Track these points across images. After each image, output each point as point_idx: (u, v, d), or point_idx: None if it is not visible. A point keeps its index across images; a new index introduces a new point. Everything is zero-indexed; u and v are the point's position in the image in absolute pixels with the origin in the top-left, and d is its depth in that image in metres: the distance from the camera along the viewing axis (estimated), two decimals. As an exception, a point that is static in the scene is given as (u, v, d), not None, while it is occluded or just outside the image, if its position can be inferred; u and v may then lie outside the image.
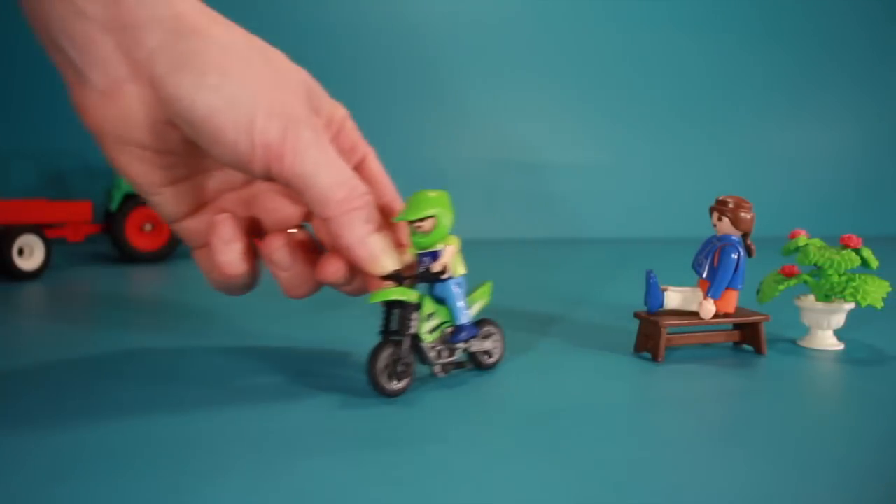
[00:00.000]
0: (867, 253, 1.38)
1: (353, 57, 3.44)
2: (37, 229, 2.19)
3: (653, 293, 1.29)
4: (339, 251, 1.03)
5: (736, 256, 1.27)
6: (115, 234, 2.53)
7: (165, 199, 1.01)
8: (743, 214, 1.28)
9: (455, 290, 1.10)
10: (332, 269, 1.05)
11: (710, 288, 1.28)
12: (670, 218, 3.82)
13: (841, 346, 1.40)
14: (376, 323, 1.08)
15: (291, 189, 0.99)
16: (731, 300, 1.31)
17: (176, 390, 1.06)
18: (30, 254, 2.17)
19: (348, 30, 3.45)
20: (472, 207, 3.62)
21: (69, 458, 0.80)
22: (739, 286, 1.30)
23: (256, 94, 0.94)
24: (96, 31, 0.89)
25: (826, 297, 1.38)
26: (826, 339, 1.40)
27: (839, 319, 1.38)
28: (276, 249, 1.04)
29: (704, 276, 1.30)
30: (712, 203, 1.32)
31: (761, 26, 4.15)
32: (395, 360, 1.03)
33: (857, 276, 1.36)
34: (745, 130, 4.17)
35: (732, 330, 1.38)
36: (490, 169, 3.67)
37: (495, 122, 3.70)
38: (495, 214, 3.65)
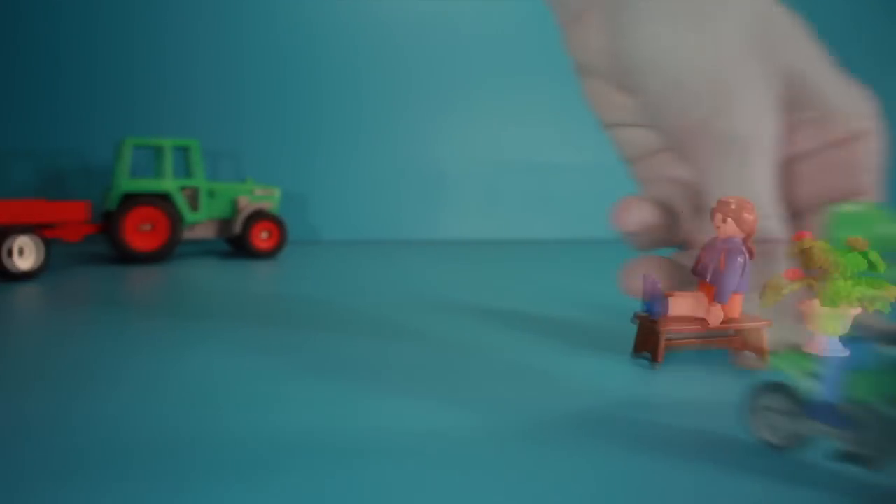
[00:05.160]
0: (874, 256, 1.34)
1: (355, 57, 3.41)
2: (34, 229, 2.17)
3: (657, 298, 1.25)
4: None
5: (742, 260, 1.24)
6: (113, 234, 2.51)
7: (618, 139, 1.07)
8: (746, 216, 1.25)
9: None
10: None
11: (718, 293, 1.24)
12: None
13: (846, 353, 1.36)
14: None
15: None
16: (737, 304, 1.28)
17: (168, 392, 1.04)
18: (27, 254, 2.15)
19: (350, 31, 3.43)
20: (472, 207, 3.59)
21: (57, 459, 0.78)
22: (745, 290, 1.27)
23: (692, 50, 0.87)
24: None
25: (831, 302, 1.34)
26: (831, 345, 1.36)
27: (845, 325, 1.34)
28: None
29: (709, 280, 1.27)
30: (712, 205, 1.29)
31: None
32: None
33: (863, 279, 1.33)
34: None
35: (734, 335, 1.35)
36: (490, 169, 3.64)
37: (496, 123, 3.67)
38: (495, 214, 3.62)
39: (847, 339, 0.88)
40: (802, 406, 0.82)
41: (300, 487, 0.75)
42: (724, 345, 1.34)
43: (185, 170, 2.81)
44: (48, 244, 2.21)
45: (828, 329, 0.91)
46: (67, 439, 0.86)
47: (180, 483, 0.74)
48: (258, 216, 2.76)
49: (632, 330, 1.34)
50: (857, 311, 1.32)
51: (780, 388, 0.85)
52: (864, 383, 0.79)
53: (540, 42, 3.77)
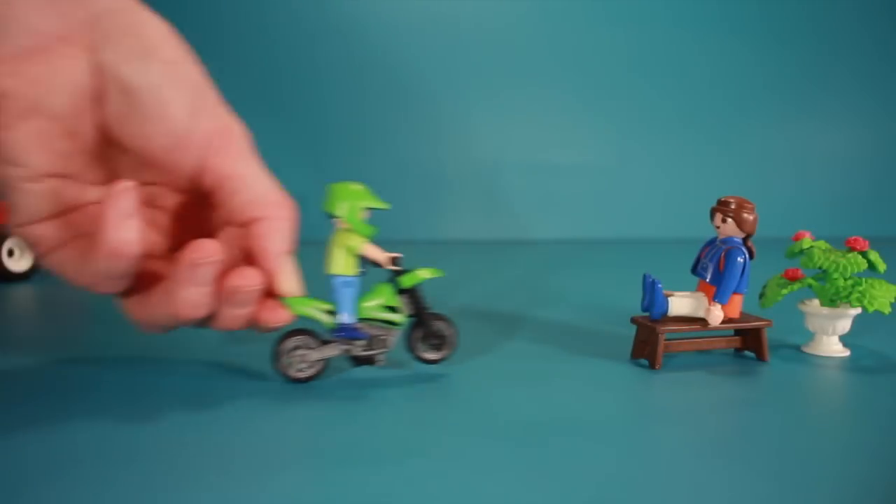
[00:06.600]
0: (874, 256, 1.33)
1: (356, 57, 3.40)
2: (27, 230, 2.15)
3: (657, 299, 1.24)
4: (256, 257, 0.96)
5: (742, 260, 1.23)
6: (109, 235, 2.49)
7: (41, 192, 0.86)
8: (746, 215, 1.24)
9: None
10: (249, 275, 0.92)
11: (718, 293, 1.23)
12: (674, 219, 3.78)
13: (847, 353, 1.35)
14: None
15: (218, 191, 0.94)
16: (737, 305, 1.27)
17: (154, 396, 1.02)
18: (20, 255, 2.13)
19: (348, 30, 3.42)
20: (472, 207, 3.58)
21: (31, 465, 0.76)
22: (745, 290, 1.26)
23: (201, 82, 0.92)
24: None
25: (831, 302, 1.33)
26: (831, 346, 1.35)
27: (845, 325, 1.33)
28: (214, 253, 0.87)
29: (709, 280, 1.26)
30: (713, 204, 1.28)
31: (767, 27, 4.09)
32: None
33: (863, 280, 1.32)
34: (751, 131, 4.12)
35: (734, 336, 1.33)
36: (490, 169, 3.63)
37: (496, 123, 3.66)
38: (495, 215, 3.61)
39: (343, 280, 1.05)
40: (324, 335, 1.09)
41: (284, 497, 0.73)
42: (724, 345, 1.32)
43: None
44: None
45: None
46: (62, 442, 0.84)
47: (148, 495, 0.73)
48: (255, 216, 2.75)
49: (631, 331, 1.32)
50: (857, 310, 1.31)
51: (300, 330, 1.08)
52: (363, 304, 1.08)
53: (540, 42, 3.75)
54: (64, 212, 0.90)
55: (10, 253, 2.11)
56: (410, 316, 1.13)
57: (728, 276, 1.22)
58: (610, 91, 3.86)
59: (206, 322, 0.96)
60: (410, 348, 1.15)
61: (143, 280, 0.94)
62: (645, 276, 1.24)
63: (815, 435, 0.93)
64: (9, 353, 1.28)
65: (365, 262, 1.07)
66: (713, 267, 1.25)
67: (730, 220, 1.24)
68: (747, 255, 1.24)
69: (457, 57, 3.60)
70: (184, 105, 0.89)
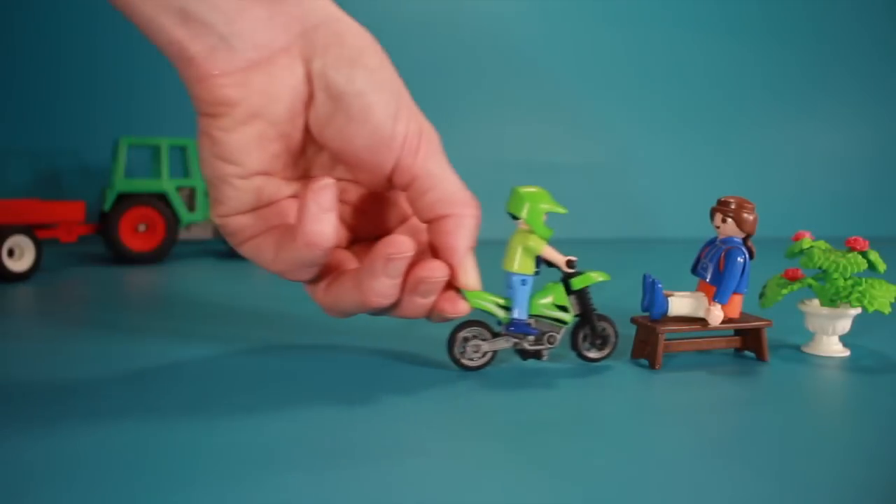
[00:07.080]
0: (874, 256, 1.33)
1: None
2: (27, 230, 2.15)
3: (657, 299, 1.24)
4: (440, 252, 1.03)
5: (742, 260, 1.23)
6: (109, 235, 2.50)
7: (249, 187, 0.96)
8: (746, 215, 1.24)
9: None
10: (436, 267, 1.00)
11: (718, 293, 1.23)
12: (674, 219, 3.78)
13: (847, 353, 1.35)
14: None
15: (409, 188, 1.01)
16: (737, 305, 1.27)
17: (154, 397, 1.02)
18: (20, 255, 2.13)
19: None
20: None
21: (31, 466, 0.76)
22: (745, 290, 1.26)
23: (400, 87, 0.99)
24: (249, 1, 0.89)
25: (831, 302, 1.33)
26: (831, 346, 1.35)
27: (845, 325, 1.33)
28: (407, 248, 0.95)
29: (709, 280, 1.26)
30: (713, 204, 1.28)
31: (767, 27, 4.09)
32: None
33: (863, 280, 1.32)
34: (751, 131, 4.12)
35: (734, 335, 1.33)
36: (490, 169, 3.63)
37: (496, 123, 3.66)
38: (496, 214, 3.61)
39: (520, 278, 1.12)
40: (495, 328, 1.16)
41: (284, 495, 0.73)
42: (724, 345, 1.32)
43: (182, 170, 2.79)
44: (41, 245, 2.18)
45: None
46: (62, 442, 0.84)
47: (145, 493, 0.73)
48: (255, 216, 2.75)
49: (631, 331, 1.32)
50: (857, 310, 1.31)
51: (474, 322, 1.15)
52: (535, 302, 1.15)
53: (540, 42, 3.75)
54: (263, 205, 0.98)
55: (11, 253, 2.11)
56: (577, 315, 1.18)
57: (728, 276, 1.22)
58: (610, 91, 3.86)
59: (388, 310, 1.03)
60: (574, 346, 1.21)
61: (330, 269, 1.04)
62: (645, 276, 1.25)
63: (815, 435, 0.93)
64: (8, 351, 1.28)
65: (540, 261, 1.13)
66: (713, 267, 1.25)
67: (730, 220, 1.24)
68: (747, 255, 1.24)
69: (457, 57, 3.60)
70: (386, 108, 0.96)
